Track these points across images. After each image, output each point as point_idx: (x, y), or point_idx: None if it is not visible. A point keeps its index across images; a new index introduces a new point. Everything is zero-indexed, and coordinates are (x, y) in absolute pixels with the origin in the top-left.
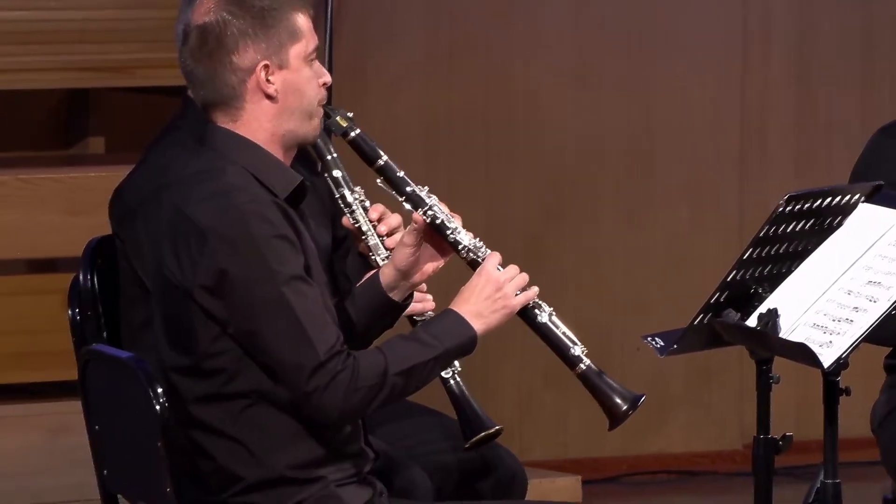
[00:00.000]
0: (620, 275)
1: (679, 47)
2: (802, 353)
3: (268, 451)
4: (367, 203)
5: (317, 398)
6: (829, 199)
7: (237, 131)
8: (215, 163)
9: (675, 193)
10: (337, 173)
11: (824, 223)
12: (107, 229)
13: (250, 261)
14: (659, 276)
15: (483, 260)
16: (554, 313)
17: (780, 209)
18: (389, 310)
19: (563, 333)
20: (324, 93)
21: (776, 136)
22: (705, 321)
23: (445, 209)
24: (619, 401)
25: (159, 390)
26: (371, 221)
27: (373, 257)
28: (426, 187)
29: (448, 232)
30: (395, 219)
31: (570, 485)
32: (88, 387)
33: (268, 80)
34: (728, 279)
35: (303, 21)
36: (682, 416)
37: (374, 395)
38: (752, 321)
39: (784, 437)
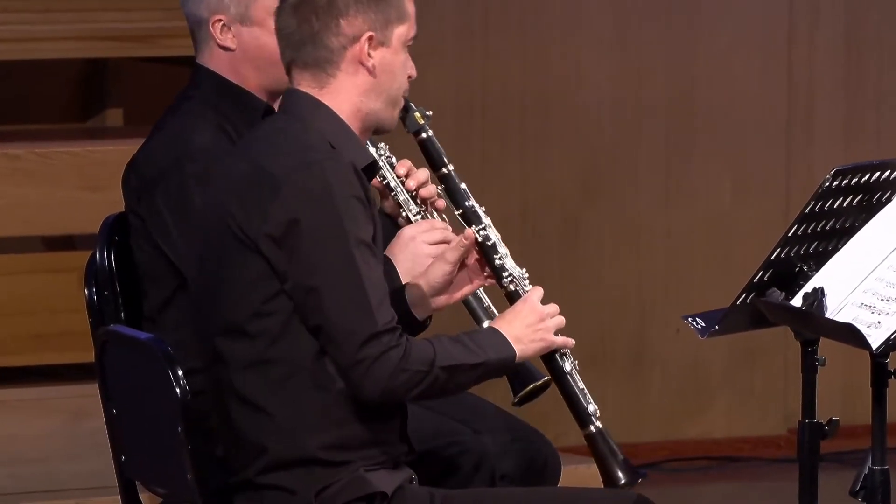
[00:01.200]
0: (660, 253)
1: (722, 16)
2: (849, 334)
3: (301, 428)
4: (394, 159)
5: (363, 368)
6: (877, 174)
7: (321, 98)
8: (294, 124)
9: (718, 169)
10: None
11: (873, 199)
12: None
13: (325, 214)
14: (700, 254)
15: (526, 292)
16: (577, 367)
17: (827, 184)
18: (407, 326)
19: (581, 390)
20: (407, 85)
21: (824, 108)
22: (748, 301)
23: (497, 235)
24: (619, 473)
25: (180, 372)
26: (399, 177)
27: (403, 214)
28: (483, 206)
29: (496, 256)
30: (423, 173)
31: None
32: (106, 369)
33: (369, 53)
34: (772, 257)
35: (411, 6)
36: (724, 400)
37: (418, 382)
38: (797, 301)
39: (830, 421)
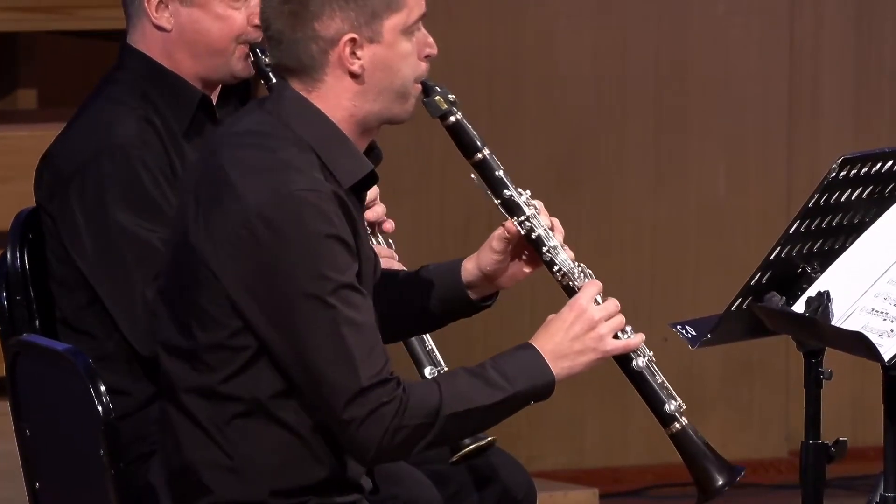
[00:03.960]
0: (647, 250)
1: None
2: (858, 344)
3: (253, 469)
4: None
5: (353, 430)
6: (890, 163)
7: (312, 100)
8: (277, 129)
9: (712, 153)
10: None
11: (884, 191)
12: None
13: (298, 258)
14: (692, 251)
15: (579, 289)
16: (653, 359)
17: (833, 174)
18: (465, 306)
19: (661, 384)
20: (424, 67)
21: (831, 86)
22: (745, 306)
23: (546, 220)
24: (715, 473)
25: (102, 388)
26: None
27: None
28: (527, 191)
29: (544, 249)
30: (370, 191)
31: (585, 499)
32: (18, 384)
33: (353, 56)
34: (772, 257)
35: None
36: (718, 419)
37: (421, 437)
38: (799, 306)
39: (837, 442)
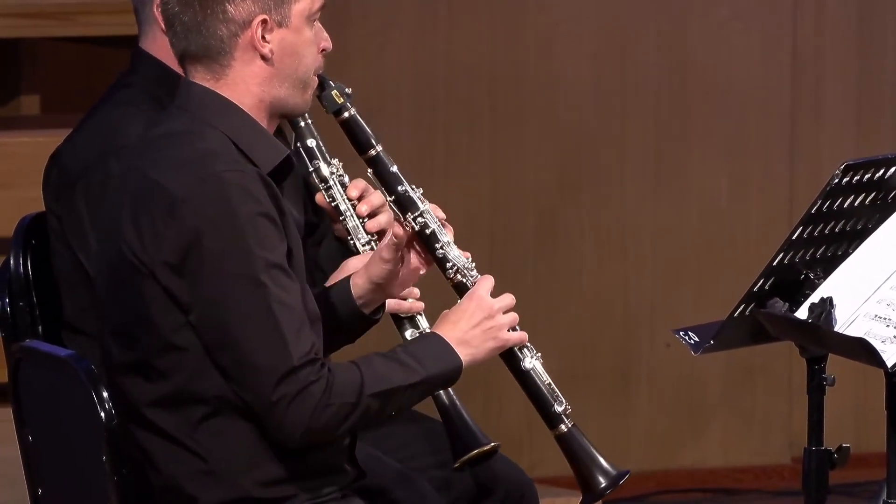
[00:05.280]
0: (648, 256)
1: None
2: (861, 350)
3: (231, 467)
4: (346, 178)
5: (281, 410)
6: (893, 169)
7: (218, 91)
8: (191, 126)
9: (714, 159)
10: (311, 143)
11: (887, 197)
12: (42, 204)
13: (227, 238)
14: (694, 257)
15: (473, 284)
16: (541, 358)
17: (836, 180)
18: (358, 323)
19: (547, 385)
20: (321, 60)
21: (833, 92)
22: (747, 312)
23: (439, 216)
24: (598, 476)
25: (104, 394)
26: (350, 200)
27: (352, 241)
28: (420, 189)
29: (437, 245)
30: (377, 197)
31: None
32: (20, 390)
33: (264, 39)
34: (775, 263)
35: None
36: (720, 424)
37: (346, 416)
38: (802, 312)
39: (840, 448)
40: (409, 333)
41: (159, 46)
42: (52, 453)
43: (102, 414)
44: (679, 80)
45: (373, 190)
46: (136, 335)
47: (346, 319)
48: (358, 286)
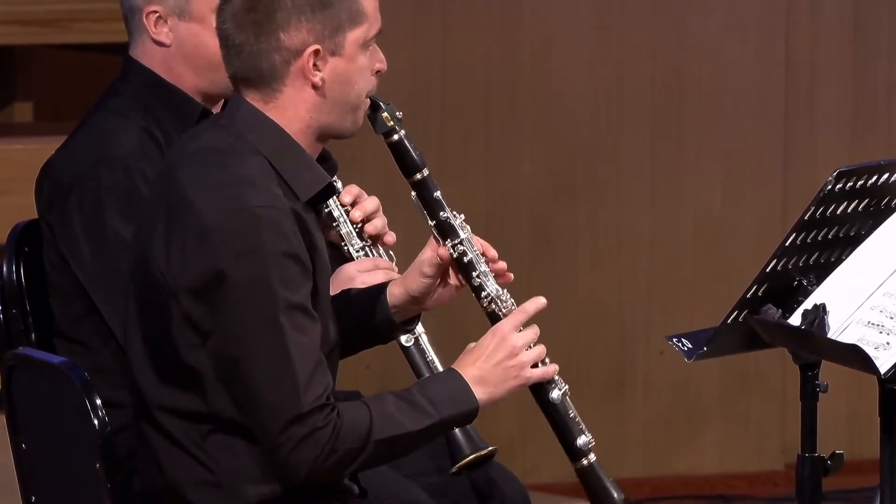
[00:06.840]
0: (643, 262)
1: None
2: (854, 357)
3: (237, 481)
4: (340, 185)
5: (286, 451)
6: (886, 175)
7: (267, 113)
8: (234, 145)
9: (708, 166)
10: None
11: (880, 204)
12: (35, 212)
13: (251, 274)
14: (688, 263)
15: (503, 316)
16: (568, 392)
17: (829, 187)
18: (389, 329)
19: (573, 419)
20: (374, 82)
21: (827, 99)
22: (741, 319)
23: (479, 245)
24: None
25: (98, 401)
26: (343, 206)
27: (345, 247)
28: (462, 215)
29: (474, 274)
30: (371, 202)
31: None
32: (14, 397)
33: (315, 67)
34: (768, 269)
35: (368, 2)
36: (715, 431)
37: (351, 460)
38: (795, 319)
39: (833, 455)
40: (404, 339)
41: (149, 55)
42: (45, 461)
43: (96, 421)
44: (674, 88)
45: (366, 196)
46: (159, 343)
47: (378, 325)
48: (394, 295)
